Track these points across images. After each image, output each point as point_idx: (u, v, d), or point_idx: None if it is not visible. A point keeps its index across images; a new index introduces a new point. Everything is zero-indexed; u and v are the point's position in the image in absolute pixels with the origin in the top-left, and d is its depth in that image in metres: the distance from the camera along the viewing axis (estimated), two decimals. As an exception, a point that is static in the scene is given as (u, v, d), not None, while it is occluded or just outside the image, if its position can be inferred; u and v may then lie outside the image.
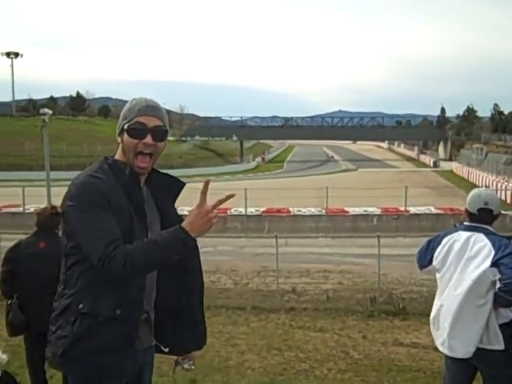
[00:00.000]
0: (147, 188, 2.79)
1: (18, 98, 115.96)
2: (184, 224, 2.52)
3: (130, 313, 2.63)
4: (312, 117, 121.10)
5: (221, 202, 2.58)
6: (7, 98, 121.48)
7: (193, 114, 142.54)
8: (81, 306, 2.61)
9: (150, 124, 2.66)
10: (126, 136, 2.68)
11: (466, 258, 4.15)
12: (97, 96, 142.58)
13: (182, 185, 2.90)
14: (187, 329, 2.91)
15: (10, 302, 5.63)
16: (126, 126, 2.67)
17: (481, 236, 4.16)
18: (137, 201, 2.65)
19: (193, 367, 3.05)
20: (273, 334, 10.11)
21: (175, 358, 3.06)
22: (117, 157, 2.74)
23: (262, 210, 25.73)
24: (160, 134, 2.70)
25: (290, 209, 25.83)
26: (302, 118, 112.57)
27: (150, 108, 2.69)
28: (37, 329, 5.19)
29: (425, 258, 4.48)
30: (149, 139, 2.66)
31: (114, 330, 2.60)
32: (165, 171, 2.92)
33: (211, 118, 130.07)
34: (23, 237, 5.89)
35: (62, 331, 2.64)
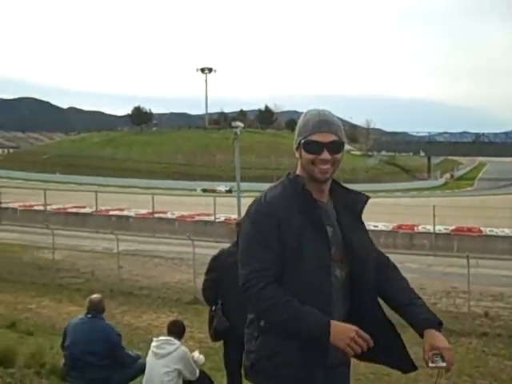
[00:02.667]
0: (331, 201, 2.76)
1: (210, 111, 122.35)
2: (333, 324, 2.48)
3: None
4: (507, 133, 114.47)
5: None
6: (201, 112, 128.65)
7: (379, 129, 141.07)
8: (262, 322, 2.64)
9: (325, 140, 2.64)
10: (302, 151, 2.69)
11: None
12: (284, 109, 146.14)
13: (365, 199, 2.83)
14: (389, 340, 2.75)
15: (214, 308, 5.88)
16: (301, 142, 2.69)
17: None
18: (312, 217, 2.62)
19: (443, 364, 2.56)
20: (463, 358, 9.67)
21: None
22: (298, 171, 2.76)
23: (450, 228, 24.73)
24: (336, 148, 2.67)
25: (482, 228, 24.57)
26: (495, 134, 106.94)
27: (324, 123, 2.66)
28: (238, 335, 5.37)
29: None
30: (325, 155, 2.64)
31: (294, 346, 2.57)
32: (349, 186, 2.88)
33: (397, 133, 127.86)
34: (215, 244, 6.16)
35: (249, 345, 2.71)
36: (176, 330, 6.20)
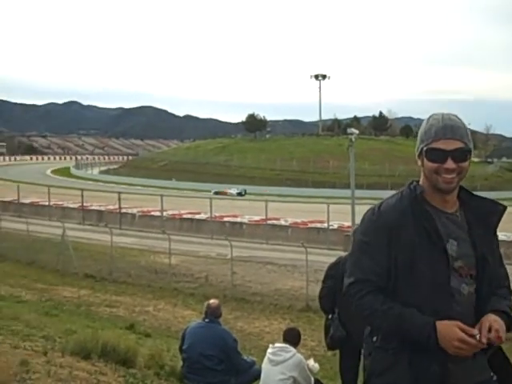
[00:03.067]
0: (461, 212, 2.58)
1: (324, 117, 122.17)
2: (439, 325, 2.36)
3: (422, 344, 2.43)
4: None
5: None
6: (314, 118, 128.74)
7: (499, 135, 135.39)
8: (374, 338, 2.56)
9: (450, 147, 2.44)
10: (425, 159, 2.51)
11: None
12: (399, 116, 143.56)
13: (501, 209, 2.61)
14: None
15: (330, 316, 5.85)
16: (424, 150, 2.51)
17: None
18: (428, 229, 2.47)
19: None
20: None
21: None
22: (421, 180, 2.58)
23: None
24: (462, 155, 2.47)
25: None
26: None
27: (448, 129, 2.46)
28: (354, 344, 5.32)
29: None
30: (450, 163, 2.44)
31: (405, 363, 2.45)
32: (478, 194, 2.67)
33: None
34: (328, 252, 6.13)
35: (365, 362, 2.64)
36: (292, 338, 6.23)
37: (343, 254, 6.16)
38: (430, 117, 2.54)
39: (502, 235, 23.12)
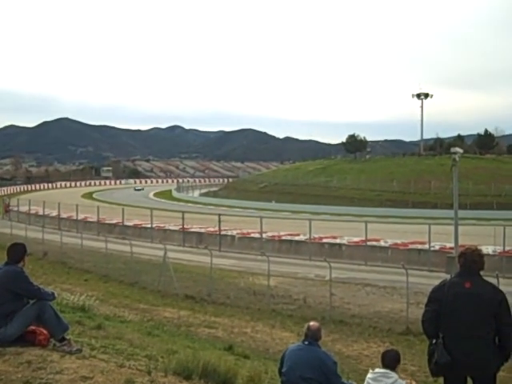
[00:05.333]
0: None
1: (426, 137, 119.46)
2: None
3: None
4: None
5: None
6: (416, 138, 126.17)
7: None
8: None
9: None
10: None
11: None
12: (506, 133, 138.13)
13: None
14: None
15: (434, 341, 5.65)
16: None
17: None
18: None
19: None
20: None
21: None
22: None
23: None
24: None
25: None
26: None
27: None
28: (459, 370, 5.14)
29: None
30: None
31: None
32: None
33: None
34: (429, 274, 5.94)
35: None
36: (391, 361, 6.09)
37: (446, 276, 5.94)
38: None
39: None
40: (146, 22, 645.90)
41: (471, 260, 5.51)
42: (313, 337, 6.57)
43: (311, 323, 6.79)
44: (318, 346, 6.65)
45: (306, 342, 6.56)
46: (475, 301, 5.24)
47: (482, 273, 5.51)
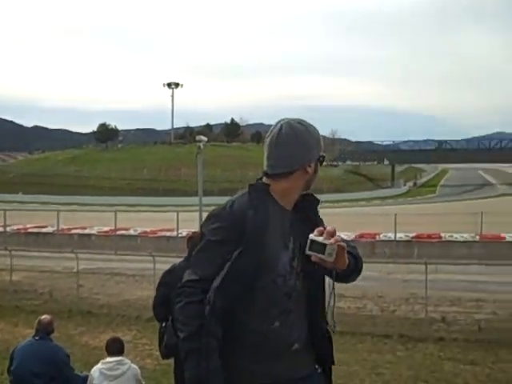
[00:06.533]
0: (293, 211, 2.62)
1: (177, 126, 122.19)
2: None
3: None
4: (468, 139, 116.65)
5: None
6: (167, 127, 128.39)
7: (345, 139, 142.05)
8: None
9: None
10: (318, 165, 2.68)
11: None
12: (250, 122, 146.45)
13: (316, 203, 2.70)
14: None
15: (164, 324, 5.79)
16: (321, 156, 2.68)
17: None
18: (277, 226, 2.53)
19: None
20: (420, 364, 9.74)
21: None
22: (296, 190, 2.61)
23: (411, 235, 24.94)
24: None
25: (442, 234, 24.83)
26: (457, 141, 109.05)
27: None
28: None
29: None
30: None
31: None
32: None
33: (363, 142, 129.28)
34: (177, 260, 6.08)
35: None
36: (117, 350, 6.15)
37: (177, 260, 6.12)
38: (310, 125, 2.65)
39: (343, 235, 24.30)
40: None
41: (194, 244, 5.74)
42: (44, 331, 6.40)
43: (42, 317, 6.62)
44: (50, 339, 6.49)
45: (37, 337, 6.37)
46: None
47: None
